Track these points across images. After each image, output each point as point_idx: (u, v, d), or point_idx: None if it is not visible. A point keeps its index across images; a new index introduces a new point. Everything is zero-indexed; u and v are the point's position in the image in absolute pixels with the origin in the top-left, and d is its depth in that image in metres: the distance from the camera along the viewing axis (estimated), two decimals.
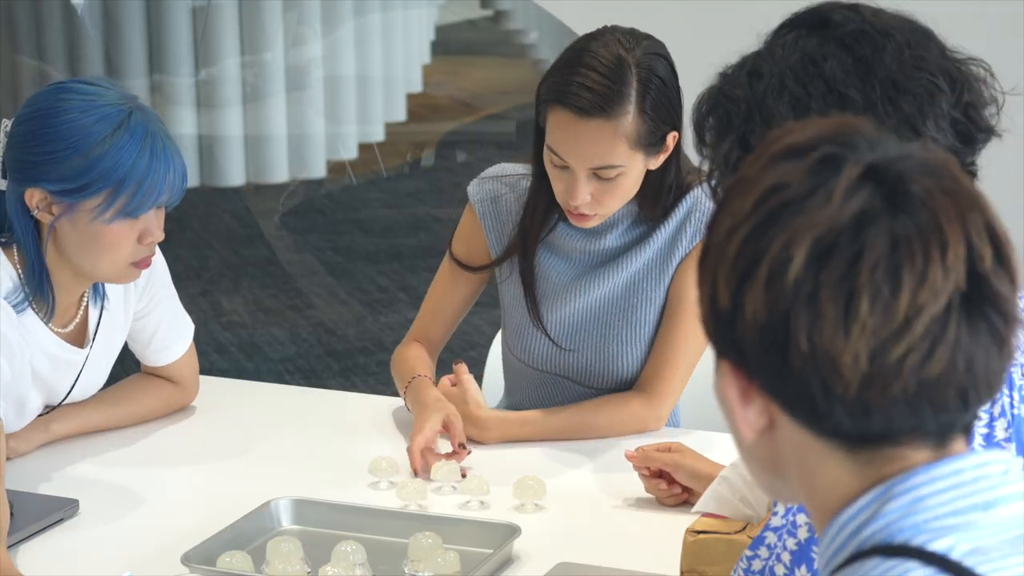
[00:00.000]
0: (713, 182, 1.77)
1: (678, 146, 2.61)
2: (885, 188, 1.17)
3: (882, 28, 1.74)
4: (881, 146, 1.19)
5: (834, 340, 1.15)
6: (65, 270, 2.50)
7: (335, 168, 7.86)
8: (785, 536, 1.74)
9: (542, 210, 2.69)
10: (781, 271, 1.16)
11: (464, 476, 2.46)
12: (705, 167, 1.78)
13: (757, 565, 1.76)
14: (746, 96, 1.74)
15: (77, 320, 2.59)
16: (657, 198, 2.65)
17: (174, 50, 7.27)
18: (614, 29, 2.58)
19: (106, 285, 2.61)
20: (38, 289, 2.49)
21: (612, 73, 2.50)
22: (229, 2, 7.29)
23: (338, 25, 7.74)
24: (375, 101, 7.96)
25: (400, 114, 8.14)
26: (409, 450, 2.53)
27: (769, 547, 1.75)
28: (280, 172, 7.64)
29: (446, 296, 2.82)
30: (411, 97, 8.23)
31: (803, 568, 1.73)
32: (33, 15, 7.12)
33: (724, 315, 1.20)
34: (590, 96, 2.50)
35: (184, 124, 7.39)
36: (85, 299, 2.60)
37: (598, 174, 2.55)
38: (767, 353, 1.17)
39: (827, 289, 1.15)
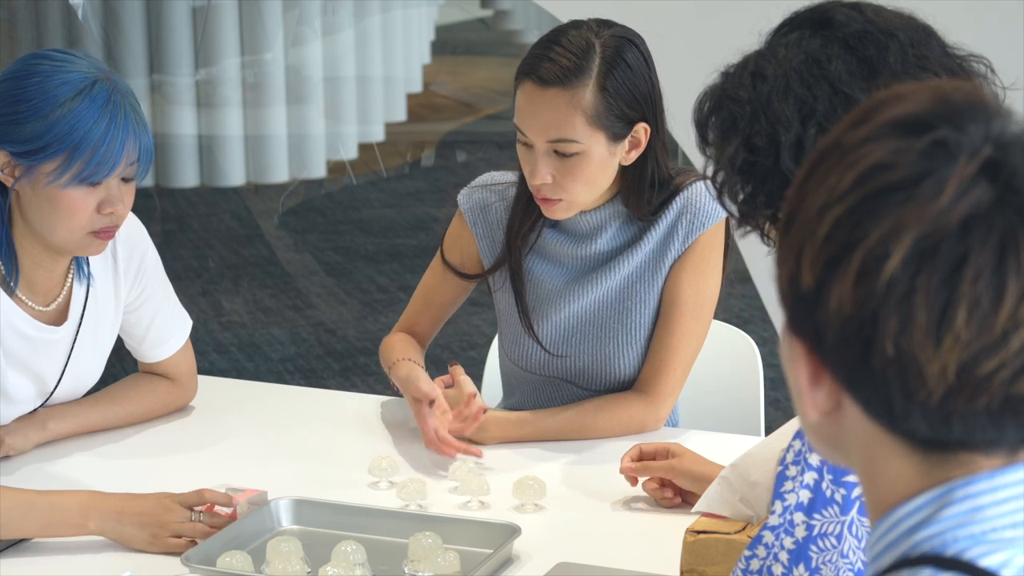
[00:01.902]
0: (718, 183, 1.76)
1: (652, 141, 2.61)
2: (999, 186, 1.07)
3: (885, 28, 1.74)
4: (997, 126, 1.10)
5: (924, 348, 1.07)
6: (34, 241, 2.51)
7: (335, 168, 7.87)
8: (782, 535, 1.74)
9: (522, 204, 2.70)
10: (876, 267, 1.07)
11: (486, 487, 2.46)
12: (709, 168, 1.78)
13: (755, 565, 1.76)
14: (750, 97, 1.73)
15: (59, 300, 2.59)
16: (640, 195, 2.65)
17: (174, 50, 7.27)
18: (593, 19, 2.63)
19: (91, 267, 2.61)
20: None
21: (577, 49, 2.55)
22: (229, 2, 7.29)
23: (338, 25, 7.74)
24: (375, 101, 7.97)
25: (400, 114, 8.14)
26: (426, 435, 2.53)
27: (767, 546, 1.75)
28: (280, 172, 7.64)
29: (435, 291, 2.84)
30: (411, 97, 8.23)
31: (801, 567, 1.73)
32: (33, 15, 7.13)
33: (805, 296, 1.12)
34: (551, 67, 2.54)
35: (184, 124, 7.40)
36: (69, 280, 2.60)
37: (557, 149, 2.55)
38: (847, 346, 1.10)
39: (923, 294, 1.06)
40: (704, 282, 2.68)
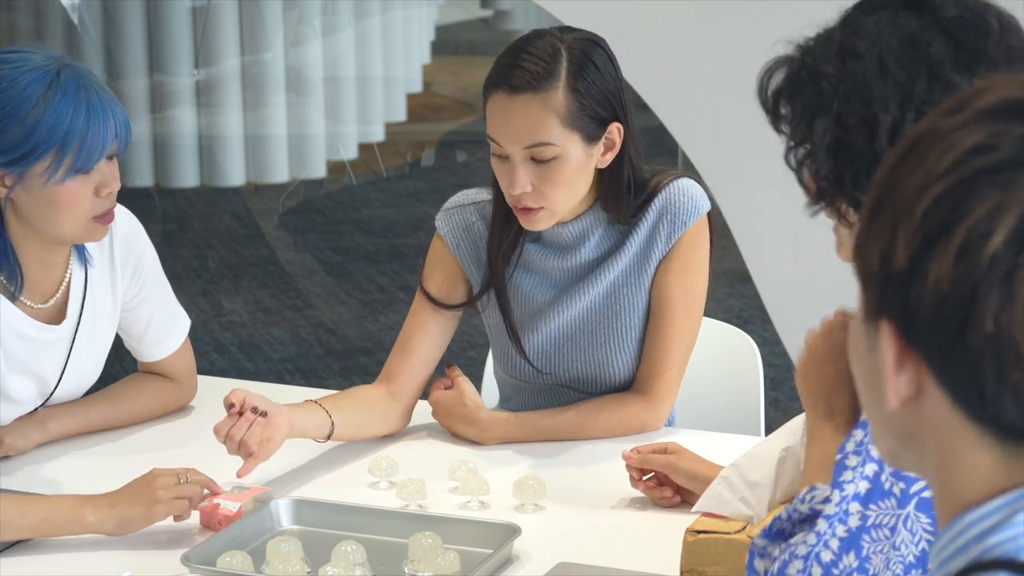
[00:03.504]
0: (796, 158, 1.73)
1: (625, 142, 2.61)
2: None
3: (980, 14, 1.72)
4: None
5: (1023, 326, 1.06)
6: (32, 241, 2.51)
7: (335, 168, 7.87)
8: (836, 524, 1.72)
9: (500, 222, 2.68)
10: (978, 243, 1.07)
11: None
12: (783, 143, 1.74)
13: (802, 551, 1.73)
14: (840, 74, 1.70)
15: (57, 297, 2.59)
16: (619, 198, 2.64)
17: (174, 50, 7.27)
18: (554, 27, 2.64)
19: (88, 267, 2.61)
20: (2, 263, 2.49)
21: (544, 55, 2.56)
22: (229, 2, 7.29)
23: (338, 25, 7.75)
24: (375, 101, 7.97)
25: (400, 114, 8.15)
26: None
27: (818, 534, 1.73)
28: (280, 172, 7.65)
29: (413, 335, 2.73)
30: (411, 97, 8.23)
31: (851, 555, 1.71)
32: (34, 16, 7.13)
33: (897, 275, 1.10)
34: (520, 74, 2.54)
35: (184, 124, 7.40)
36: (67, 276, 2.60)
37: (533, 156, 2.55)
38: (942, 324, 1.09)
39: None
40: (692, 279, 2.68)
